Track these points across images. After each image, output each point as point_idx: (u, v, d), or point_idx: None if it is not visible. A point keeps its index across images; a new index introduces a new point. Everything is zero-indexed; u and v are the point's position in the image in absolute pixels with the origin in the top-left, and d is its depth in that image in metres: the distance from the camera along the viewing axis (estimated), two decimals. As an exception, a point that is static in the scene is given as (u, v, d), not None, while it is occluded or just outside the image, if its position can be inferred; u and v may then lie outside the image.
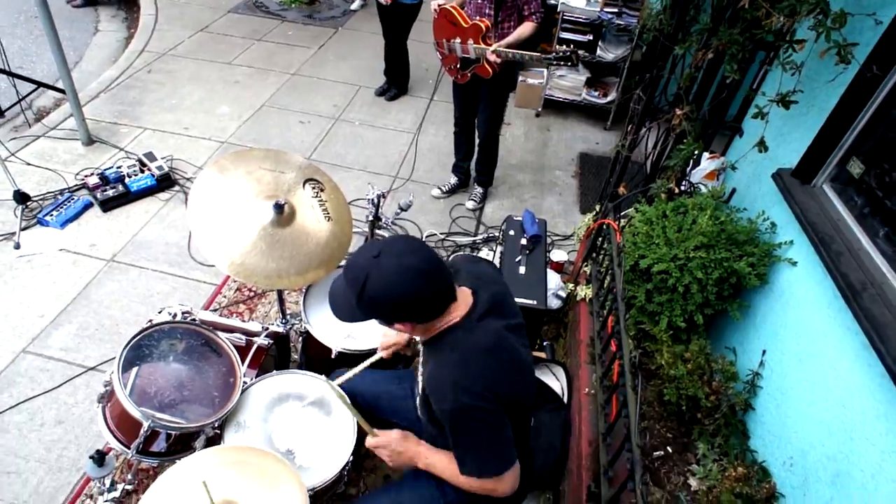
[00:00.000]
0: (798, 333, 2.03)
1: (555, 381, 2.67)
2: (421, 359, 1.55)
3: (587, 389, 2.36)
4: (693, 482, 2.17)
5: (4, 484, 2.23)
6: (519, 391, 1.42)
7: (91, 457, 1.34)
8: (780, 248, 2.22)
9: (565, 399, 2.54)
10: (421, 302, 1.29)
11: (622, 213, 2.78)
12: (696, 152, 2.32)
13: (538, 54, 2.83)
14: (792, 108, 2.03)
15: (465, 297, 1.41)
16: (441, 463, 1.52)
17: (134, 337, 1.69)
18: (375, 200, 2.40)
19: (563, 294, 3.05)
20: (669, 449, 2.29)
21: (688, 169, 2.66)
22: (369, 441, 1.61)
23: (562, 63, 2.75)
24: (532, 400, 1.62)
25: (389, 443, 1.58)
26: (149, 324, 1.77)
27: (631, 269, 2.41)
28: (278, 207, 1.95)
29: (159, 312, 2.02)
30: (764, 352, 2.20)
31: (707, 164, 2.97)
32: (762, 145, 2.05)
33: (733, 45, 2.02)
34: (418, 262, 1.28)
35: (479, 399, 1.30)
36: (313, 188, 2.12)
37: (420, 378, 1.51)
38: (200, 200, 1.91)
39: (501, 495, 1.48)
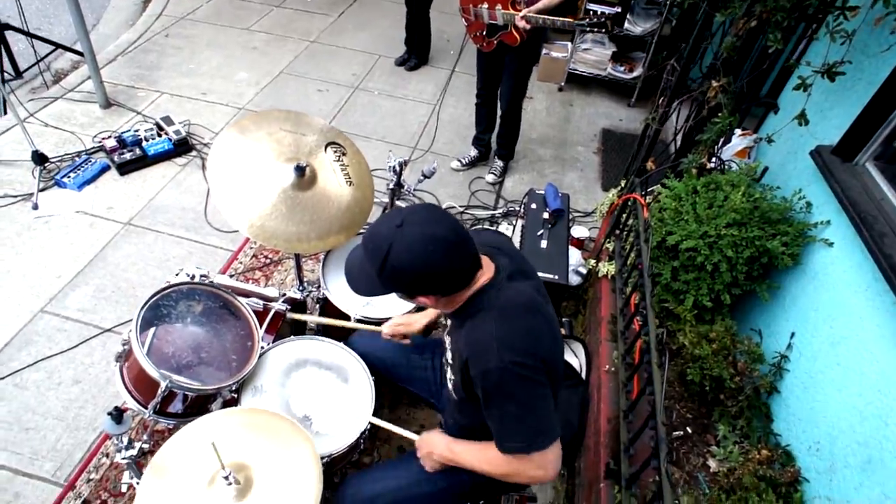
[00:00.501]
0: (831, 316, 1.96)
1: (573, 357, 2.63)
2: (448, 328, 1.50)
3: (607, 367, 2.32)
4: (712, 463, 2.13)
5: (24, 440, 2.24)
6: (556, 356, 1.36)
7: (109, 413, 1.32)
8: (816, 229, 2.13)
9: (584, 375, 2.50)
10: (447, 273, 1.23)
11: (649, 190, 2.70)
12: (730, 126, 2.22)
13: (569, 20, 2.72)
14: (835, 81, 1.92)
15: (487, 265, 1.35)
16: (468, 451, 1.44)
17: (152, 296, 1.66)
18: (397, 168, 2.34)
19: (584, 271, 2.99)
20: (689, 429, 2.24)
21: (718, 146, 2.56)
22: (421, 451, 1.58)
23: (595, 29, 2.64)
24: (562, 371, 1.58)
25: (432, 444, 1.53)
26: (167, 284, 1.74)
27: (657, 245, 2.34)
28: (299, 170, 1.90)
29: (176, 274, 1.99)
30: (793, 334, 2.13)
31: (738, 141, 2.87)
32: (803, 118, 1.95)
33: (778, 12, 1.91)
34: (444, 231, 1.21)
35: (524, 356, 1.23)
36: (335, 152, 2.07)
37: (450, 348, 1.46)
38: (220, 161, 1.87)
39: (540, 479, 1.34)
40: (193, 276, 1.83)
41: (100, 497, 2.11)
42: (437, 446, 1.52)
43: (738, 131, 2.85)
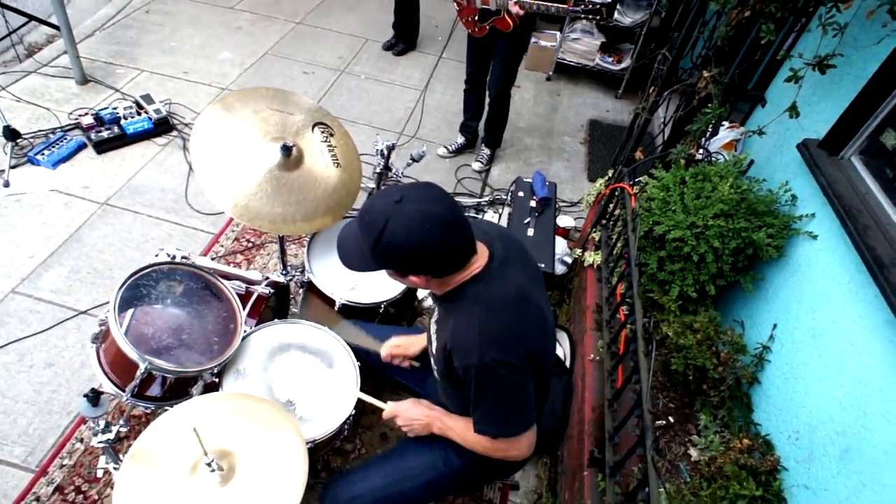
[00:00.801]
0: (813, 308, 1.98)
1: (558, 346, 2.63)
2: (435, 316, 1.48)
3: (592, 356, 2.32)
4: (693, 452, 2.15)
5: (-8, 423, 2.17)
6: (544, 348, 1.37)
7: (85, 395, 1.27)
8: (801, 221, 2.15)
9: (568, 364, 2.51)
10: (442, 253, 1.22)
11: (636, 180, 2.70)
12: (720, 117, 2.22)
13: (564, 6, 2.69)
14: (825, 74, 1.93)
15: (481, 251, 1.33)
16: (457, 426, 1.48)
17: (131, 275, 1.61)
18: (385, 152, 2.30)
19: (569, 260, 2.99)
20: (671, 419, 2.26)
21: (706, 137, 2.56)
22: (385, 413, 1.59)
23: (590, 16, 2.62)
24: (552, 359, 1.57)
25: (406, 410, 1.55)
26: (147, 263, 1.68)
27: (644, 235, 2.35)
28: (286, 149, 1.85)
29: (156, 255, 1.93)
30: (775, 326, 2.15)
31: (725, 133, 2.88)
32: (794, 110, 1.96)
33: (772, 3, 1.91)
34: (442, 210, 1.19)
35: (506, 353, 1.24)
36: (322, 132, 2.02)
37: (435, 337, 1.44)
38: (204, 138, 1.81)
39: (515, 458, 1.45)
40: (174, 257, 1.77)
41: (73, 483, 2.05)
42: (428, 415, 1.52)
43: (725, 124, 2.86)
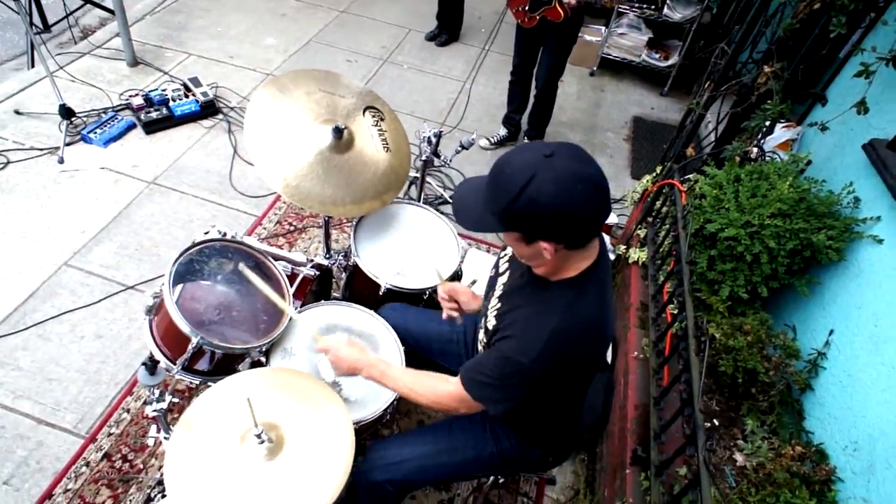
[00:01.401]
0: (877, 315, 1.90)
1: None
2: (499, 292, 1.41)
3: (635, 353, 2.27)
4: (739, 457, 2.09)
5: (46, 389, 2.24)
6: (596, 361, 1.33)
7: (144, 363, 1.30)
8: (864, 224, 2.06)
9: (609, 360, 2.46)
10: (585, 221, 1.10)
11: (684, 178, 2.63)
12: (781, 114, 2.14)
13: (617, -4, 2.63)
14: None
15: (595, 244, 1.24)
16: (401, 377, 1.46)
17: (185, 251, 1.63)
18: (433, 139, 2.29)
19: (612, 256, 2.94)
20: (716, 422, 2.20)
21: (762, 135, 2.48)
22: (319, 345, 1.53)
23: (644, 5, 2.55)
24: (598, 364, 1.54)
25: (337, 349, 1.50)
26: (200, 240, 1.70)
27: (694, 233, 2.28)
28: (337, 132, 1.85)
29: (206, 233, 1.96)
30: (831, 332, 2.07)
31: (781, 132, 2.78)
32: (863, 106, 1.87)
33: (846, -7, 1.83)
34: (595, 173, 1.09)
35: (557, 371, 1.22)
36: (373, 116, 2.02)
37: (495, 316, 1.38)
38: (258, 118, 1.83)
39: (455, 412, 1.41)
40: (225, 234, 1.79)
41: (120, 451, 2.11)
42: (358, 359, 1.48)
43: (781, 122, 2.76)
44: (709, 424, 2.18)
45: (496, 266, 1.54)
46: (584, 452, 2.37)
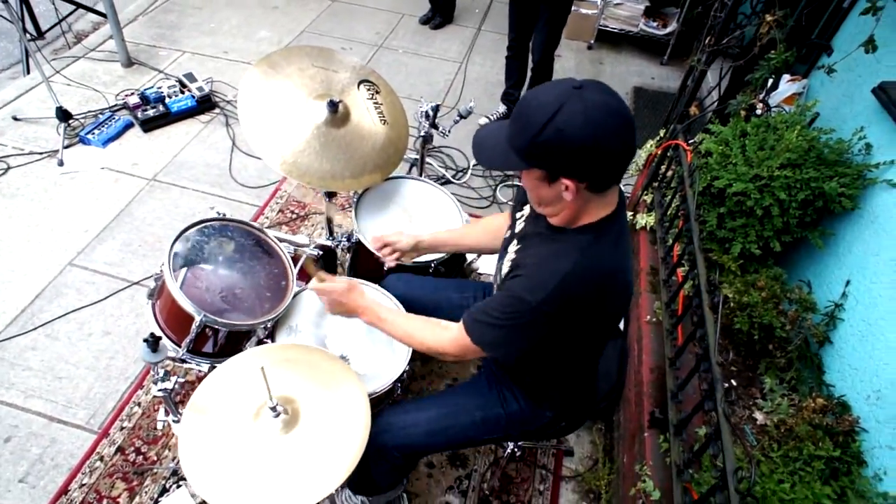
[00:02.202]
0: (895, 260, 1.84)
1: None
2: (516, 247, 1.36)
3: (648, 317, 2.23)
4: (759, 416, 2.04)
5: (57, 388, 2.24)
6: (612, 312, 1.28)
7: (145, 340, 1.28)
8: (877, 169, 2.00)
9: (622, 327, 2.42)
10: (612, 157, 1.06)
11: (690, 141, 2.57)
12: (786, 63, 2.08)
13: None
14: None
15: (615, 194, 1.20)
16: (398, 320, 1.46)
17: (184, 230, 1.61)
18: (430, 113, 2.25)
19: (619, 225, 2.89)
20: (733, 382, 2.15)
21: (768, 87, 2.42)
22: (314, 283, 1.50)
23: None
24: (617, 324, 1.50)
25: (333, 291, 1.47)
26: (199, 219, 1.68)
27: (701, 192, 2.23)
28: (332, 105, 1.82)
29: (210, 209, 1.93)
30: (848, 282, 2.02)
31: (786, 86, 2.71)
32: (871, 44, 1.81)
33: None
34: (624, 108, 1.05)
35: (563, 313, 1.16)
36: (368, 90, 1.99)
37: (509, 265, 1.34)
38: (251, 96, 1.80)
39: (445, 357, 1.41)
40: (224, 215, 1.77)
41: (133, 444, 2.10)
42: (352, 300, 1.47)
43: (786, 76, 2.69)
44: (726, 385, 2.14)
45: (511, 227, 1.48)
46: (601, 422, 2.33)
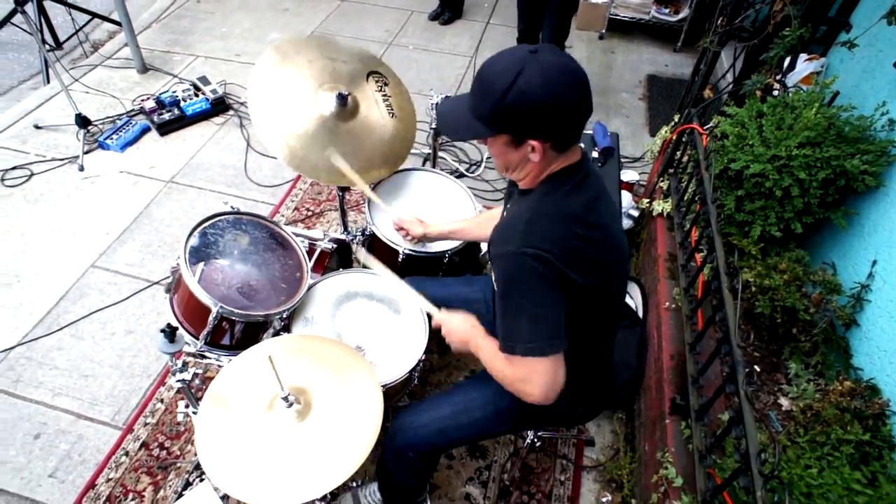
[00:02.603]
0: (922, 237, 1.79)
1: (629, 298, 2.52)
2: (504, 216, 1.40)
3: (667, 304, 2.19)
4: (784, 402, 2.00)
5: (83, 386, 2.29)
6: (597, 279, 1.23)
7: (162, 330, 1.29)
8: (901, 145, 1.94)
9: (641, 315, 2.39)
10: (572, 114, 1.11)
11: (706, 127, 2.53)
12: (801, 39, 2.03)
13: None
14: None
15: (576, 152, 1.24)
16: (488, 347, 1.37)
17: (200, 224, 1.63)
18: (440, 104, 2.24)
19: (635, 213, 2.86)
20: (757, 368, 2.11)
21: (784, 66, 2.36)
22: (435, 320, 1.50)
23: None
24: (621, 296, 1.47)
25: (449, 321, 1.46)
26: (213, 213, 1.70)
27: (718, 175, 2.18)
28: (341, 98, 1.83)
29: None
30: (874, 262, 1.96)
31: (804, 66, 2.65)
32: (893, 15, 1.76)
33: None
34: (577, 66, 1.10)
35: (544, 255, 1.13)
36: (377, 81, 1.99)
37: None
38: (261, 87, 1.81)
39: (527, 395, 1.24)
40: (238, 209, 1.78)
41: (157, 439, 2.13)
42: (468, 332, 1.43)
43: (802, 56, 2.63)
44: (748, 370, 2.09)
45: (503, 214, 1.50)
46: (622, 411, 2.31)
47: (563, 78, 1.07)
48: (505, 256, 1.18)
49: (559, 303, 1.18)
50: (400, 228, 1.90)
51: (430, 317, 1.58)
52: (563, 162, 1.21)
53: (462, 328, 1.43)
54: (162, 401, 2.25)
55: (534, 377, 1.20)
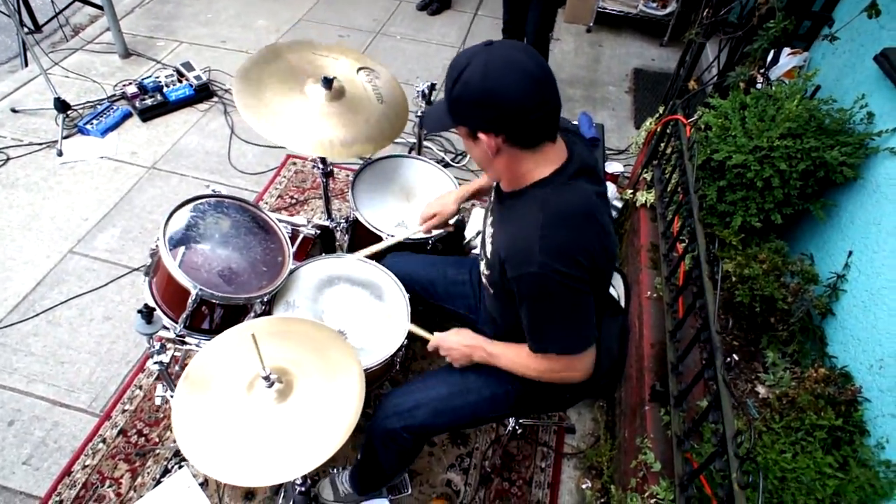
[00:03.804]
0: (896, 228, 1.82)
1: (611, 289, 2.53)
2: (490, 220, 1.41)
3: (648, 293, 2.21)
4: (761, 389, 2.03)
5: (60, 372, 2.25)
6: (605, 267, 1.27)
7: (139, 311, 1.27)
8: (879, 138, 1.97)
9: (623, 305, 2.40)
10: (519, 108, 1.10)
11: (690, 119, 2.55)
12: (785, 31, 2.05)
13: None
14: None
15: (560, 150, 1.24)
16: (505, 353, 1.41)
17: (179, 205, 1.60)
18: (426, 91, 2.23)
19: (619, 204, 2.87)
20: (735, 356, 2.14)
21: (768, 59, 2.39)
22: (430, 344, 1.56)
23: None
24: (608, 283, 1.49)
25: (446, 339, 1.51)
26: (194, 195, 1.68)
27: (701, 166, 2.21)
28: (327, 81, 1.81)
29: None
30: (850, 253, 1.99)
31: (787, 60, 2.67)
32: (874, 9, 1.78)
33: None
34: (530, 63, 1.09)
35: (569, 264, 1.15)
36: (367, 75, 1.97)
37: (490, 241, 1.37)
38: (250, 72, 1.80)
39: (574, 380, 1.35)
40: (219, 192, 1.76)
41: (135, 426, 2.11)
42: (470, 345, 1.47)
43: (786, 50, 2.66)
44: (728, 358, 2.12)
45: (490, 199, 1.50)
46: (602, 400, 2.33)
47: (506, 71, 1.08)
48: (526, 277, 1.17)
49: (587, 298, 1.22)
50: (429, 218, 1.80)
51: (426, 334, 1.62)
52: (544, 164, 1.20)
53: (461, 343, 1.47)
54: (140, 387, 2.22)
55: (575, 365, 1.30)
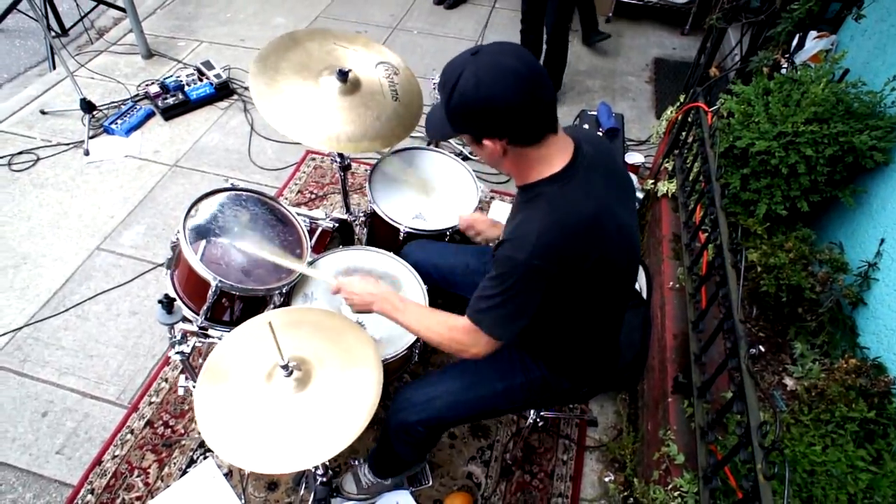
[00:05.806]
0: (931, 213, 1.75)
1: (633, 279, 2.50)
2: (511, 211, 1.40)
3: (671, 284, 2.18)
4: (789, 382, 1.98)
5: (89, 366, 2.31)
6: (625, 266, 1.28)
7: (160, 301, 1.30)
8: (911, 120, 1.91)
9: (645, 296, 2.37)
10: (513, 110, 1.11)
11: (712, 109, 2.49)
12: (810, 13, 1.99)
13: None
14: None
15: (566, 144, 1.23)
16: (414, 311, 1.43)
17: (199, 199, 1.63)
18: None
19: (640, 195, 2.83)
20: (762, 348, 2.09)
21: (793, 43, 2.32)
22: (332, 287, 1.52)
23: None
24: (633, 275, 1.46)
25: (349, 284, 1.49)
26: (212, 189, 1.70)
27: (723, 154, 2.16)
28: (342, 74, 1.81)
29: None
30: (882, 240, 1.93)
31: (813, 44, 2.60)
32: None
33: None
34: (517, 64, 1.10)
35: (551, 263, 1.16)
36: (386, 70, 1.97)
37: (505, 227, 1.37)
38: (267, 63, 1.80)
39: (461, 355, 1.36)
40: (237, 185, 1.78)
41: (162, 418, 2.15)
42: (374, 293, 1.46)
43: (812, 33, 2.58)
44: (754, 351, 2.07)
45: None
46: (625, 392, 2.30)
47: (497, 77, 1.09)
48: (512, 258, 1.18)
49: (536, 307, 1.23)
50: (469, 227, 1.82)
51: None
52: (552, 158, 1.21)
53: (364, 290, 1.46)
54: (166, 380, 2.27)
55: (484, 348, 1.31)
